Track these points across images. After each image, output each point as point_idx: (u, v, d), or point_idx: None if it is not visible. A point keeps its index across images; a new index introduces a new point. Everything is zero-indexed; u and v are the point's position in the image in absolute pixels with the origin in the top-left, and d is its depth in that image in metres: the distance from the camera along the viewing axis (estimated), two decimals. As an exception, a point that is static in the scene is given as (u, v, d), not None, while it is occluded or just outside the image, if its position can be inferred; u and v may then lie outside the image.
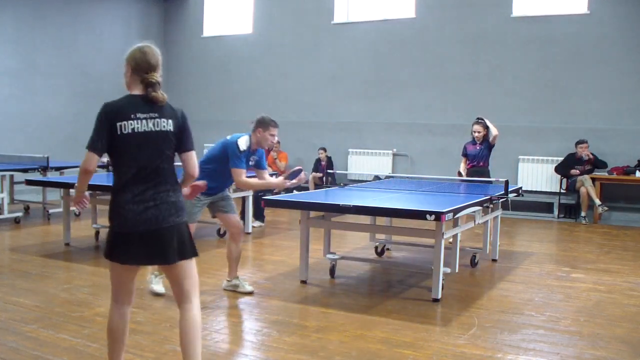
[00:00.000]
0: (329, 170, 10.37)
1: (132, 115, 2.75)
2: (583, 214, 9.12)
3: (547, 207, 9.86)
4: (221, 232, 7.44)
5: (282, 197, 5.72)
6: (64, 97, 11.25)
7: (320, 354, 3.58)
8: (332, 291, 5.11)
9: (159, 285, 4.82)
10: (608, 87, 9.49)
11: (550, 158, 9.78)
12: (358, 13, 11.55)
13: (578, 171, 9.22)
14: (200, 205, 4.73)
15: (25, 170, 8.30)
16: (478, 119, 7.37)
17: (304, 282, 5.25)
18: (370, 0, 11.48)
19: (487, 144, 7.23)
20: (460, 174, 7.32)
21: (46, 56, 10.94)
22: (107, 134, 2.74)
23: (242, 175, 4.59)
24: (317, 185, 10.79)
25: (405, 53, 10.88)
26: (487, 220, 5.94)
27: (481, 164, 7.24)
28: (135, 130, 2.75)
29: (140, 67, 2.82)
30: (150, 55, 2.85)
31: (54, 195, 9.22)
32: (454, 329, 4.10)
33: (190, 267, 2.94)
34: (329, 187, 7.20)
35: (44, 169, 8.37)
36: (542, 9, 9.99)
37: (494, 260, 6.32)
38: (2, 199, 8.07)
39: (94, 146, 2.77)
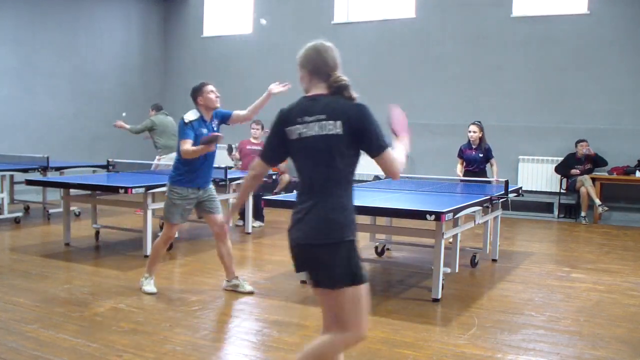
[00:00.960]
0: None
1: (299, 120, 2.47)
2: (583, 214, 9.12)
3: (547, 207, 9.86)
4: (221, 232, 7.42)
5: (282, 197, 5.72)
6: (64, 97, 11.24)
7: (320, 354, 3.58)
8: (332, 291, 5.10)
9: (150, 286, 4.84)
10: (608, 87, 9.49)
11: (550, 158, 9.78)
12: (358, 13, 11.55)
13: (578, 171, 9.22)
14: (184, 203, 4.73)
15: (25, 170, 8.30)
16: (476, 121, 7.38)
17: (304, 282, 5.25)
18: (370, 0, 11.48)
19: (485, 149, 7.20)
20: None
21: (46, 56, 10.94)
22: (278, 140, 2.53)
23: (185, 144, 4.55)
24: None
25: (405, 53, 10.88)
26: (487, 220, 5.94)
27: (477, 169, 7.23)
28: (302, 136, 2.47)
29: (320, 68, 2.54)
30: (328, 52, 2.57)
31: (54, 195, 9.22)
32: (454, 329, 4.10)
33: (342, 296, 2.46)
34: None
35: (44, 169, 8.37)
36: (542, 9, 9.99)
37: (494, 260, 6.32)
38: (2, 199, 8.07)
39: (262, 153, 2.66)
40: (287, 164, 11.49)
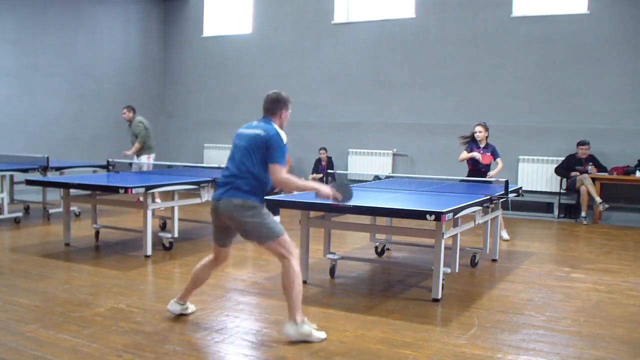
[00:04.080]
0: (329, 170, 10.37)
1: None
2: (583, 214, 9.12)
3: (547, 207, 9.86)
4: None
5: (282, 197, 5.72)
6: (64, 98, 11.24)
7: (320, 354, 3.58)
8: (332, 291, 5.11)
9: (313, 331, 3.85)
10: (608, 87, 9.49)
11: (550, 158, 9.78)
12: (358, 13, 11.55)
13: (578, 172, 9.22)
14: None
15: (25, 170, 8.30)
16: (482, 122, 7.44)
17: (304, 282, 5.22)
18: (370, 0, 11.48)
19: (492, 150, 7.28)
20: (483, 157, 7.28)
21: (46, 56, 10.94)
22: None
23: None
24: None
25: (405, 53, 10.88)
26: (487, 220, 5.94)
27: (483, 169, 7.28)
28: None
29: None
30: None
31: (54, 195, 9.22)
32: (454, 329, 4.10)
33: None
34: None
35: (44, 169, 8.36)
36: (542, 9, 9.99)
37: (494, 260, 6.32)
38: (2, 199, 8.06)
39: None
40: (289, 165, 11.52)
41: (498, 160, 7.34)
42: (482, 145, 7.34)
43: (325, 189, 3.97)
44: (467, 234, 7.16)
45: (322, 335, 3.81)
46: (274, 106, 3.97)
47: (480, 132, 7.29)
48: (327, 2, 11.50)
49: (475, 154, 7.25)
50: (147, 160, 9.67)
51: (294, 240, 4.01)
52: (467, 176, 7.34)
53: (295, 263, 3.81)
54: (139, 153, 9.79)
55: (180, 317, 4.22)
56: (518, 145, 9.95)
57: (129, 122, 9.88)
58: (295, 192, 4.40)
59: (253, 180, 3.79)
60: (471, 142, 7.39)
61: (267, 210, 3.85)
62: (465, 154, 7.36)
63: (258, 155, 3.79)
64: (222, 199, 3.84)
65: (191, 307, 4.32)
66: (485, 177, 7.15)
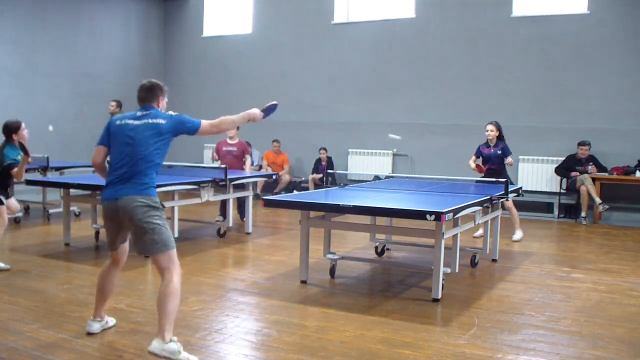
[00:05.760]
0: (329, 171, 10.38)
1: None
2: (583, 214, 9.12)
3: (547, 207, 9.86)
4: (221, 232, 7.43)
5: (282, 197, 5.73)
6: (63, 98, 11.24)
7: (320, 354, 3.58)
8: (332, 291, 5.11)
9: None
10: (608, 87, 9.49)
11: (550, 158, 9.78)
12: (358, 13, 11.55)
13: (578, 172, 9.22)
14: None
15: (25, 170, 8.27)
16: (493, 121, 7.46)
17: (304, 282, 5.25)
18: (370, 0, 11.48)
19: (502, 147, 7.28)
20: (476, 167, 7.30)
21: (46, 56, 10.93)
22: None
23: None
24: (317, 186, 10.79)
25: (405, 53, 10.88)
26: (487, 220, 5.94)
27: (494, 166, 7.29)
28: None
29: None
30: None
31: (54, 195, 9.22)
32: (454, 329, 4.10)
33: None
34: (329, 187, 7.20)
35: (44, 169, 8.35)
36: (542, 9, 9.99)
37: (494, 260, 6.32)
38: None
39: None
40: (289, 165, 11.53)
41: (509, 157, 7.30)
42: (492, 145, 7.33)
43: (253, 110, 4.01)
44: (467, 234, 7.17)
45: (193, 358, 3.35)
46: (149, 94, 3.71)
47: (491, 131, 7.30)
48: (327, 2, 11.50)
49: (471, 164, 7.33)
50: None
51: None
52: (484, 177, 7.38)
53: (178, 279, 3.44)
54: None
55: (179, 317, 4.22)
56: (518, 145, 9.92)
57: (112, 116, 9.93)
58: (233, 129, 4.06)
59: (153, 173, 3.53)
60: (482, 144, 7.39)
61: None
62: (471, 164, 7.38)
63: (159, 146, 3.54)
64: (122, 196, 3.44)
65: (111, 321, 3.96)
66: (496, 175, 7.14)
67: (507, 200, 6.02)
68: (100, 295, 3.83)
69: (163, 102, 3.80)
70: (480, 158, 7.43)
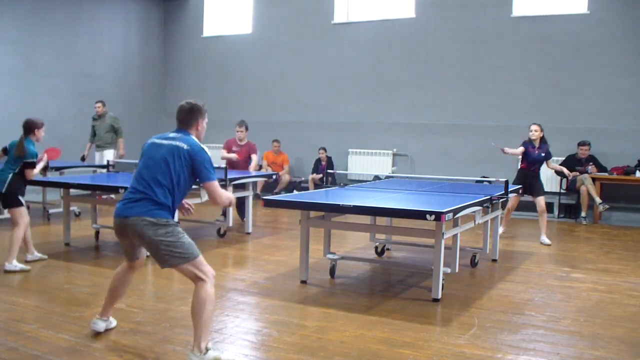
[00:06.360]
0: (329, 170, 10.38)
1: None
2: (583, 214, 9.12)
3: (547, 207, 9.80)
4: (221, 232, 7.43)
5: (282, 197, 5.73)
6: (63, 98, 11.24)
7: (320, 354, 3.58)
8: (332, 291, 5.11)
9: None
10: (608, 87, 9.49)
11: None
12: (358, 13, 11.55)
13: (578, 172, 9.22)
14: None
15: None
16: (537, 122, 7.51)
17: (304, 282, 5.25)
18: (370, 0, 11.48)
19: (545, 150, 7.33)
20: (502, 150, 7.30)
21: (46, 56, 10.94)
22: None
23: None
24: (317, 186, 10.79)
25: (405, 53, 10.88)
26: (487, 220, 5.94)
27: (533, 169, 7.37)
28: None
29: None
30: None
31: (54, 195, 9.22)
32: (454, 329, 4.10)
33: None
34: (329, 187, 7.20)
35: (44, 169, 8.34)
36: (542, 9, 9.99)
37: (494, 260, 6.32)
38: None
39: None
40: (289, 165, 11.53)
41: (549, 161, 7.41)
42: (536, 145, 7.37)
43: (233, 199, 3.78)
44: (468, 234, 7.17)
45: (231, 356, 3.45)
46: (189, 117, 3.67)
47: (535, 131, 7.35)
48: (327, 2, 11.50)
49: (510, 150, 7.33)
50: (112, 157, 9.67)
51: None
52: (518, 172, 7.48)
53: (210, 286, 3.39)
54: (104, 147, 9.98)
55: (179, 317, 4.22)
56: (518, 145, 9.92)
57: (99, 117, 9.97)
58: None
59: (167, 195, 3.43)
60: (527, 142, 7.42)
61: (181, 229, 3.47)
62: (519, 150, 7.39)
63: (177, 169, 3.44)
64: (131, 216, 3.43)
65: (114, 322, 3.97)
66: (534, 177, 7.27)
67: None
68: (111, 296, 3.84)
69: (203, 124, 3.75)
70: (525, 158, 7.41)
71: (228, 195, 3.68)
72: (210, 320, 3.39)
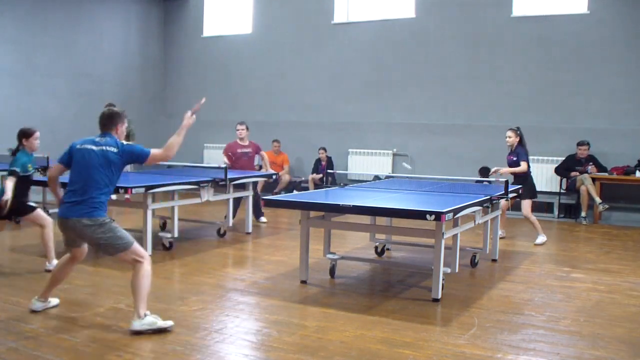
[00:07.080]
0: (329, 170, 10.38)
1: None
2: (583, 214, 9.12)
3: (547, 207, 9.85)
4: (221, 232, 7.43)
5: (282, 197, 5.73)
6: (63, 98, 11.24)
7: (320, 354, 3.58)
8: (332, 291, 5.11)
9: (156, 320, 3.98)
10: (608, 87, 9.48)
11: (550, 158, 9.77)
12: (358, 13, 11.55)
13: (578, 172, 9.22)
14: None
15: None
16: (514, 127, 7.46)
17: (304, 282, 5.25)
18: (370, 0, 11.48)
19: (517, 153, 7.26)
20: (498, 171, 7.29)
21: (46, 56, 10.93)
22: None
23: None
24: (317, 186, 10.79)
25: (405, 53, 10.88)
26: (487, 220, 5.94)
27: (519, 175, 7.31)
28: None
29: None
30: None
31: (54, 195, 9.21)
32: (454, 329, 4.10)
33: None
34: (329, 187, 7.20)
35: (44, 169, 8.35)
36: (542, 9, 9.99)
37: (494, 260, 6.32)
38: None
39: None
40: (289, 165, 11.53)
41: (521, 163, 7.26)
42: (511, 150, 7.35)
43: (185, 118, 4.22)
44: (467, 234, 7.17)
45: (168, 322, 3.92)
46: (109, 122, 4.10)
47: (509, 137, 7.34)
48: (327, 2, 11.50)
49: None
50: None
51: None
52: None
53: (147, 264, 3.93)
54: None
55: (179, 317, 4.22)
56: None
57: None
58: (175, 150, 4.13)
59: (103, 195, 3.90)
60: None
61: (116, 224, 3.93)
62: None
63: (112, 170, 3.94)
64: (70, 217, 3.86)
65: (53, 301, 4.39)
66: (520, 182, 7.15)
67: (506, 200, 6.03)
68: (52, 281, 4.30)
69: (122, 128, 4.16)
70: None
71: (171, 142, 4.06)
72: (146, 292, 3.88)
